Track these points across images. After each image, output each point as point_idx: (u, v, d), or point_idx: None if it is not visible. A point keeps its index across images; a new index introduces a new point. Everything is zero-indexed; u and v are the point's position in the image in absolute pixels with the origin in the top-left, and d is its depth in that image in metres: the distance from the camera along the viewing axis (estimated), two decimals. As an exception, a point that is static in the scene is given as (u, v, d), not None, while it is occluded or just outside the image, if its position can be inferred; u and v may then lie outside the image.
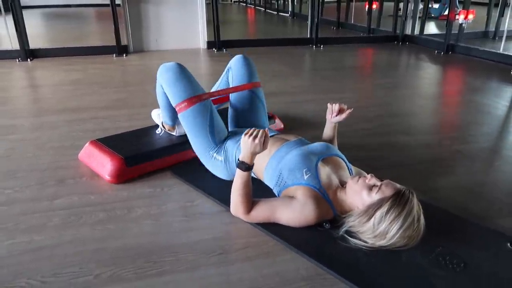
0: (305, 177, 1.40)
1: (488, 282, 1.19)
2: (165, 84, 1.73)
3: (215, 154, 1.69)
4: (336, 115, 1.67)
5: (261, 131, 1.36)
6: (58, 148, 2.15)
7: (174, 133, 2.02)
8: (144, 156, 1.84)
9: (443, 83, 3.96)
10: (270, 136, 1.59)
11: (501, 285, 1.19)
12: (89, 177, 1.82)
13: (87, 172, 1.86)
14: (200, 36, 5.04)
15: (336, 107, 1.66)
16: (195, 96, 1.68)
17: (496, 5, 5.81)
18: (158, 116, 2.07)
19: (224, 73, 2.00)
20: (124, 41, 4.70)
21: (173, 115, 1.93)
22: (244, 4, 12.39)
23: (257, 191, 1.48)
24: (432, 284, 1.17)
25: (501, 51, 4.38)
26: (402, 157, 2.10)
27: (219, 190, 1.67)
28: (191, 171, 1.84)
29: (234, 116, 1.91)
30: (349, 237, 1.33)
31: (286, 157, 1.47)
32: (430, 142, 2.31)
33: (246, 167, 1.38)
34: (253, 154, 1.37)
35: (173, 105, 1.72)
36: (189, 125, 1.70)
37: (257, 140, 1.34)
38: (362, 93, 3.42)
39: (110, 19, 4.51)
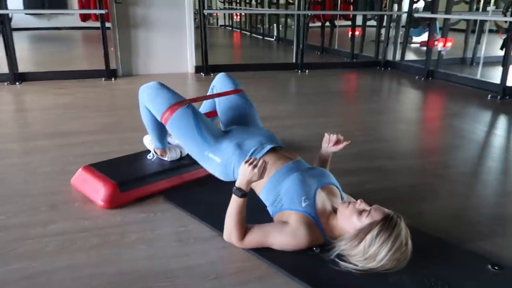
0: (303, 204, 1.45)
1: (471, 303, 1.25)
2: (147, 100, 1.80)
3: (211, 155, 1.70)
4: (332, 145, 1.74)
5: (260, 161, 1.42)
6: (50, 173, 2.16)
7: (166, 158, 2.06)
8: (137, 181, 1.88)
9: (424, 108, 4.11)
10: (272, 148, 1.64)
11: (484, 306, 1.25)
12: (82, 202, 1.84)
13: (79, 197, 1.88)
14: (188, 61, 5.13)
15: (333, 137, 1.72)
16: (176, 102, 1.74)
17: (473, 31, 6.07)
18: (150, 142, 2.11)
19: (208, 92, 2.07)
20: (113, 65, 4.76)
21: (162, 135, 1.98)
22: (230, 28, 12.61)
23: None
24: (419, 306, 1.23)
25: (478, 77, 4.58)
26: (387, 182, 2.17)
27: (211, 215, 1.70)
28: (184, 196, 1.87)
29: (226, 122, 1.94)
30: (339, 261, 1.38)
31: (286, 180, 1.51)
32: (414, 167, 2.40)
33: (242, 193, 1.43)
34: (250, 182, 1.42)
35: (159, 118, 1.77)
36: (178, 132, 1.75)
37: (256, 170, 1.39)
38: (347, 118, 3.53)
39: (99, 43, 4.57)
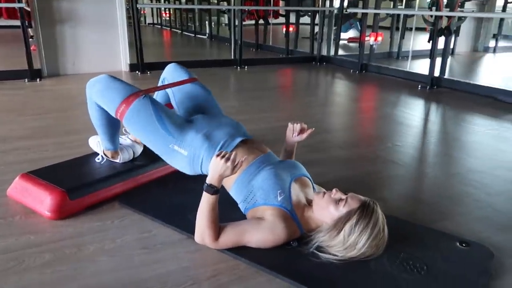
0: (279, 198, 1.39)
1: (453, 281, 1.28)
2: (97, 96, 1.64)
3: (176, 147, 1.57)
4: (297, 135, 1.70)
5: (233, 153, 1.33)
6: (-22, 185, 1.89)
7: (117, 160, 1.89)
8: (87, 187, 1.69)
9: (362, 99, 4.26)
10: (242, 141, 1.56)
11: (463, 282, 1.28)
12: (23, 215, 1.62)
13: (20, 210, 1.65)
14: (122, 59, 4.84)
15: (298, 126, 1.68)
16: (131, 94, 1.59)
17: (398, 28, 6.46)
18: (98, 143, 1.92)
19: (159, 84, 1.94)
20: (37, 65, 4.34)
21: (114, 135, 1.81)
22: (159, 27, 12.21)
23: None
24: (404, 289, 1.23)
25: (408, 69, 4.86)
26: (345, 171, 2.19)
27: (176, 217, 1.59)
28: (141, 199, 1.73)
29: (186, 115, 1.79)
30: (319, 253, 1.34)
31: (259, 175, 1.44)
32: (365, 154, 2.46)
33: (214, 190, 1.33)
34: (222, 177, 1.33)
35: (113, 114, 1.62)
36: (136, 126, 1.60)
37: (229, 163, 1.30)
38: (293, 112, 3.54)
39: (15, 42, 4.14)
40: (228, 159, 1.32)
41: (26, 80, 4.21)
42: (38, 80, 4.25)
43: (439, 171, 2.25)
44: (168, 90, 1.87)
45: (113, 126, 1.73)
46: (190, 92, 1.82)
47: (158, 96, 1.94)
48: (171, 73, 1.90)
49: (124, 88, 1.61)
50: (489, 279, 1.30)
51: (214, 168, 1.33)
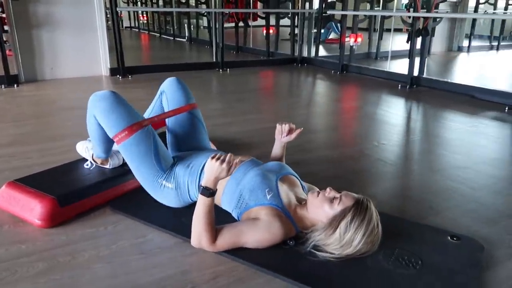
0: (268, 196, 1.40)
1: (447, 274, 1.31)
2: (100, 114, 1.60)
3: (164, 182, 1.59)
4: (286, 135, 1.71)
5: (228, 155, 1.33)
6: (-39, 195, 1.82)
7: (107, 166, 1.86)
8: (78, 193, 1.66)
9: (345, 100, 4.32)
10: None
11: (457, 274, 1.31)
12: (12, 224, 1.58)
13: (7, 219, 1.61)
14: (102, 63, 4.77)
15: (286, 127, 1.70)
16: (135, 123, 1.58)
17: (375, 30, 6.58)
18: (86, 149, 1.89)
19: (156, 97, 1.93)
20: (14, 71, 4.23)
21: (108, 147, 1.78)
22: (137, 30, 12.08)
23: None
24: (404, 284, 1.26)
25: (388, 69, 4.96)
26: (333, 170, 2.22)
27: (168, 220, 1.58)
28: (133, 204, 1.71)
29: (174, 141, 1.84)
30: (316, 251, 1.36)
31: (245, 178, 1.46)
32: (352, 154, 2.49)
33: (210, 192, 1.33)
34: (217, 179, 1.33)
35: (111, 136, 1.60)
36: (132, 155, 1.58)
37: (224, 165, 1.30)
38: (277, 113, 3.56)
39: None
40: (223, 161, 1.32)
41: (3, 86, 4.10)
42: (15, 86, 4.15)
43: (424, 168, 2.30)
44: (165, 105, 1.86)
45: (110, 141, 1.69)
46: (183, 121, 1.83)
47: (153, 110, 1.92)
48: (172, 91, 1.86)
49: (128, 113, 1.58)
50: (481, 271, 1.34)
51: (209, 171, 1.33)
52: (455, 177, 2.12)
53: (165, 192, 1.61)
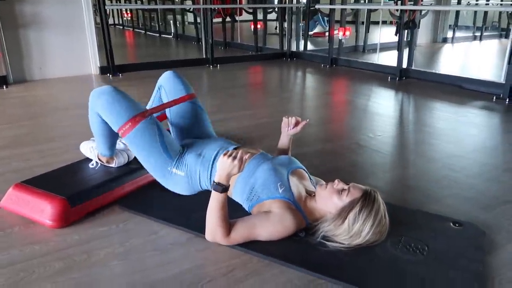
0: (280, 190, 1.44)
1: (453, 259, 1.37)
2: (102, 109, 1.62)
3: (174, 170, 1.61)
4: (292, 128, 1.75)
5: (240, 152, 1.36)
6: (-34, 199, 1.82)
7: (113, 165, 1.88)
8: (87, 193, 1.67)
9: (337, 93, 4.38)
10: (234, 149, 1.60)
11: (462, 259, 1.38)
12: (22, 225, 1.59)
13: (17, 221, 1.62)
14: (92, 62, 4.73)
15: (293, 120, 1.74)
16: (138, 114, 1.60)
17: (363, 23, 6.65)
18: (91, 149, 1.90)
19: (154, 92, 1.95)
20: (2, 71, 4.17)
21: (112, 144, 1.80)
22: (121, 27, 11.94)
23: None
24: (413, 270, 1.31)
25: (377, 62, 5.03)
26: (334, 163, 2.27)
27: (180, 216, 1.61)
28: (143, 201, 1.73)
29: (179, 133, 1.85)
30: (326, 242, 1.40)
31: (257, 172, 1.49)
32: (350, 146, 2.55)
33: (223, 188, 1.36)
34: (230, 176, 1.36)
35: (115, 129, 1.61)
36: (139, 146, 1.60)
37: (236, 161, 1.33)
38: (273, 108, 3.59)
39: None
40: (235, 157, 1.35)
41: (-8, 87, 4.04)
42: (4, 87, 4.10)
43: (420, 158, 2.37)
44: (164, 99, 1.87)
45: (114, 136, 1.72)
46: (185, 111, 1.85)
47: (153, 103, 1.93)
48: (170, 84, 1.88)
49: (130, 105, 1.60)
50: (484, 254, 1.41)
51: (222, 167, 1.36)
52: (450, 166, 2.19)
53: (176, 180, 1.62)
